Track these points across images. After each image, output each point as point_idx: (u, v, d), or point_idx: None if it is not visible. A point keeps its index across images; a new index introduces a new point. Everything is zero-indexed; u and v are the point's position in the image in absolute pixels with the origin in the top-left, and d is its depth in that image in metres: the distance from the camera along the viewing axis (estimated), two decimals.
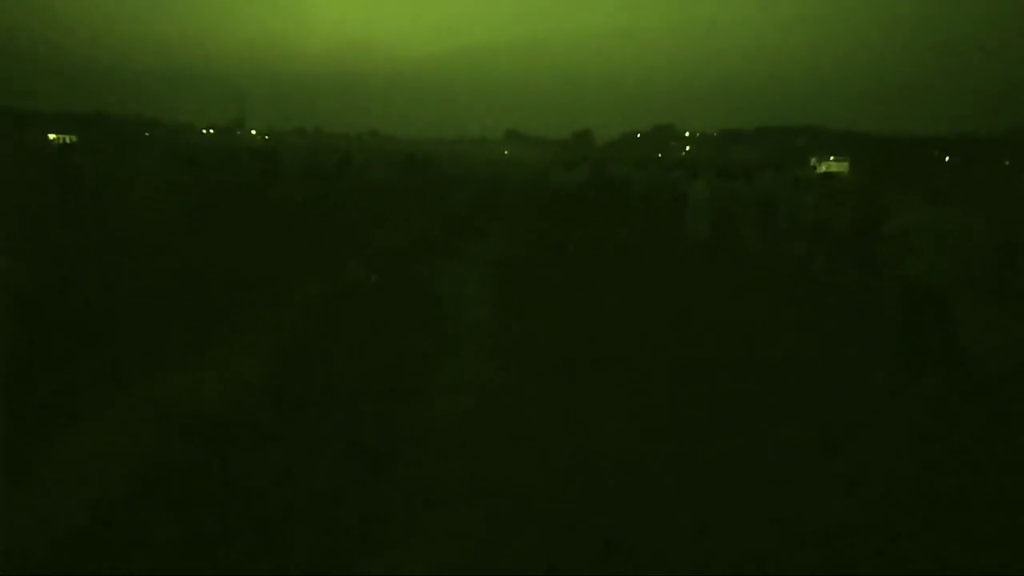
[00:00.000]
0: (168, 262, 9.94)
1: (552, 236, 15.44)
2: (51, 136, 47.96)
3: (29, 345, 5.75)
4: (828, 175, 15.15)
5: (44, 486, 4.05)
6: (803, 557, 3.58)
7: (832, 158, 44.89)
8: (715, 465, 4.45)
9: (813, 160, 44.47)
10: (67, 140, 36.48)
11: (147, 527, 3.53)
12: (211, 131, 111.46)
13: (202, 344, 6.80)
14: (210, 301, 8.15)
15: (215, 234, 12.95)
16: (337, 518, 3.71)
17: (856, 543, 3.70)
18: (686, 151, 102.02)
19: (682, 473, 4.33)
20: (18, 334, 6.01)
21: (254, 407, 5.19)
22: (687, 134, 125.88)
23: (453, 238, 14.99)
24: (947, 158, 44.19)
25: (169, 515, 3.62)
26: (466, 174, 46.22)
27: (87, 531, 3.54)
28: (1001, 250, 11.63)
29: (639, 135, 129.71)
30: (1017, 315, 9.00)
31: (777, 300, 9.37)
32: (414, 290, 9.58)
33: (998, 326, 8.42)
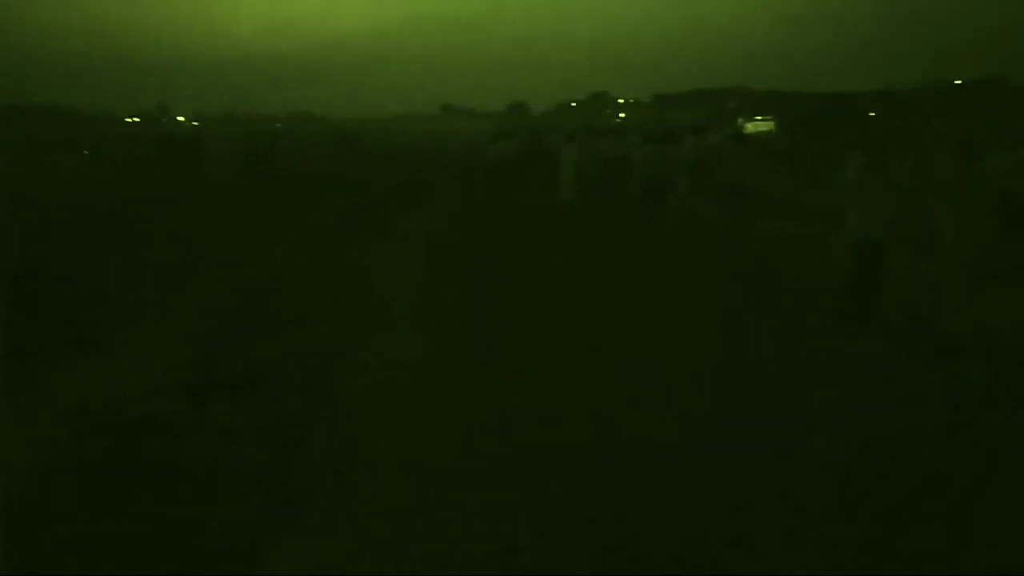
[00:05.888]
0: (89, 253, 9.62)
1: (488, 209, 15.37)
2: None
3: None
4: (750, 135, 15.42)
5: None
6: (749, 522, 3.60)
7: (758, 118, 45.58)
8: (648, 434, 4.44)
9: (740, 120, 45.10)
10: None
11: (55, 522, 3.43)
12: (135, 119, 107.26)
13: (120, 334, 6.63)
14: (134, 290, 7.94)
15: (140, 223, 12.56)
16: (254, 501, 3.66)
17: (804, 505, 3.69)
18: (620, 117, 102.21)
19: (610, 442, 4.32)
20: None
21: (169, 397, 5.06)
22: (621, 100, 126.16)
23: (387, 215, 14.82)
24: (871, 113, 45.32)
25: (78, 510, 3.52)
26: (401, 150, 45.53)
27: None
28: (927, 203, 11.94)
29: (574, 104, 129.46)
30: (948, 267, 9.16)
31: (711, 261, 9.46)
32: (345, 270, 9.46)
33: (932, 279, 8.58)
